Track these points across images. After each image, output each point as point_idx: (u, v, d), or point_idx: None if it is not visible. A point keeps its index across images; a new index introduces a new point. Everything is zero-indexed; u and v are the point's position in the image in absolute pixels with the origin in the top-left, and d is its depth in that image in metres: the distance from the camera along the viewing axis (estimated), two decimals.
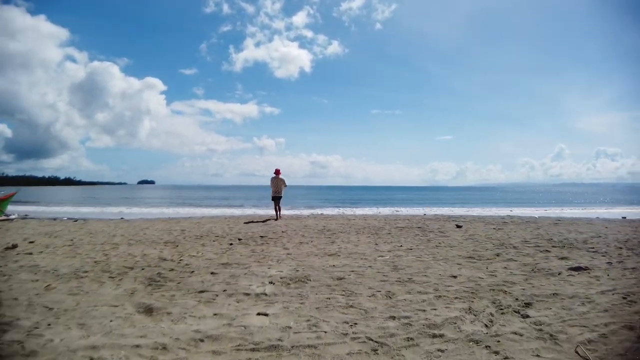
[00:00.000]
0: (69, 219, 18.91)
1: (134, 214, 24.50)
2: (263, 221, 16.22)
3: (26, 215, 21.75)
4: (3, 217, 17.06)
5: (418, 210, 28.90)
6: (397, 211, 27.74)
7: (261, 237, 11.53)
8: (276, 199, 16.90)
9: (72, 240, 11.06)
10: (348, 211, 28.05)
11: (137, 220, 17.18)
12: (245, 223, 15.67)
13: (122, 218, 19.38)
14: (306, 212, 25.42)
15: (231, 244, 10.30)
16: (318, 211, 26.85)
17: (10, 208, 28.47)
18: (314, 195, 75.82)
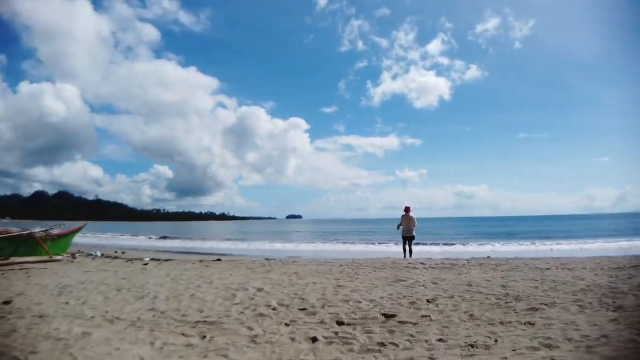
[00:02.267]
0: (151, 259, 14.88)
1: (245, 251, 21.00)
2: (398, 267, 10.26)
3: (123, 252, 18.62)
4: (59, 257, 13.40)
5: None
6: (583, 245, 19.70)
7: (385, 317, 5.69)
8: (408, 239, 14.36)
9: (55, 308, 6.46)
10: (519, 247, 20.71)
11: (218, 265, 12.37)
12: (368, 271, 9.95)
13: (218, 259, 14.82)
14: (462, 249, 18.70)
15: (314, 341, 4.69)
16: (478, 248, 19.85)
17: (123, 244, 27.47)
18: (461, 227, 66.74)
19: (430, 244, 27.47)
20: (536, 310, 5.74)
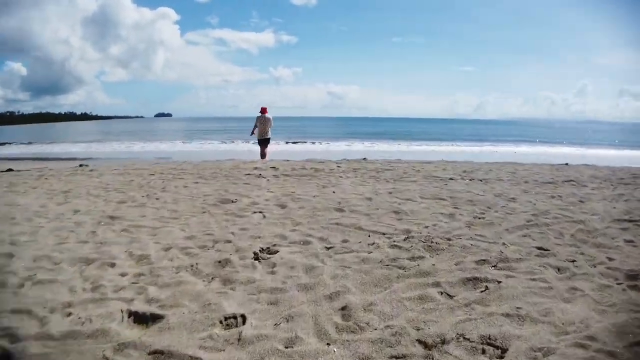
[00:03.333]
0: None
1: (82, 154, 20.00)
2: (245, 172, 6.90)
3: None
4: None
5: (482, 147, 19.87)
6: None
7: (133, 324, 2.26)
8: (264, 142, 12.42)
9: None
10: (396, 147, 18.83)
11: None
12: (185, 184, 6.40)
13: (9, 169, 10.17)
14: (331, 148, 16.21)
15: None
16: (349, 147, 17.46)
17: None
18: (332, 127, 64.87)
19: (294, 143, 24.90)
20: (486, 287, 2.64)
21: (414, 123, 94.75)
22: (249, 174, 7.39)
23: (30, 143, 31.72)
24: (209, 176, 7.23)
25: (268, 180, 6.84)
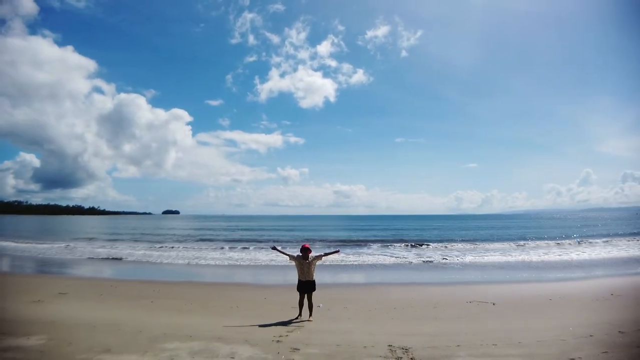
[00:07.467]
0: None
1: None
2: None
3: None
4: None
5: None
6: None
7: None
8: (309, 289, 8.29)
9: None
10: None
11: None
12: None
13: None
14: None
15: None
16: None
17: None
18: (344, 228, 61.65)
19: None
20: None
21: (422, 220, 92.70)
22: None
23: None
24: None
25: None
